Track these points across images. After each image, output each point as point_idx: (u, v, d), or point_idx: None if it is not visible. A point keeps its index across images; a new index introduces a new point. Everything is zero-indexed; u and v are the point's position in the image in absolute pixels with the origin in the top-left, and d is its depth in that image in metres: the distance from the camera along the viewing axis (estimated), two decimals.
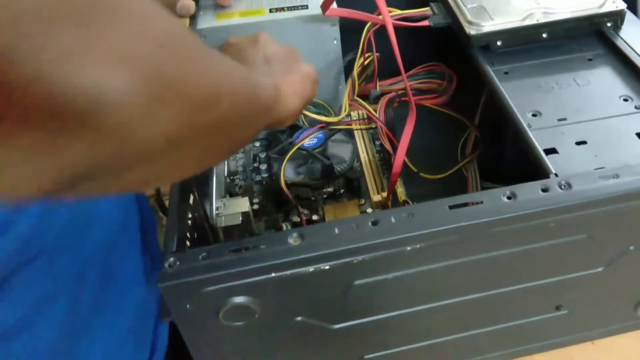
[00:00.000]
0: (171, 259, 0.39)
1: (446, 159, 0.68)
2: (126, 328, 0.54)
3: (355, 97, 0.66)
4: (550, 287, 0.47)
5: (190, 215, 0.47)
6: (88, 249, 0.49)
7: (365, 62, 0.67)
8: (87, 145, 0.22)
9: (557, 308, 0.50)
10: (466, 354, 0.52)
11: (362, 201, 0.64)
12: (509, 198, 0.42)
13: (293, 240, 0.40)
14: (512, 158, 0.58)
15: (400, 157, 0.56)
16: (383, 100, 0.65)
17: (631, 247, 0.46)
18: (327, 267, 0.40)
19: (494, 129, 0.61)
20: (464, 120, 0.68)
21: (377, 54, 0.66)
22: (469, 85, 0.66)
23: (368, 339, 0.48)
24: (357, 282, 0.42)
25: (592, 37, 0.58)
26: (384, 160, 0.68)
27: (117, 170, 0.25)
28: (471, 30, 0.55)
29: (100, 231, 0.51)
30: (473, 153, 0.67)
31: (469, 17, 0.56)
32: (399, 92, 0.66)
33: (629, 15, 0.57)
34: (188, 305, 0.39)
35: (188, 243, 0.45)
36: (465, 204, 0.42)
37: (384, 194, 0.62)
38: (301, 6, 0.64)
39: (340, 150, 0.65)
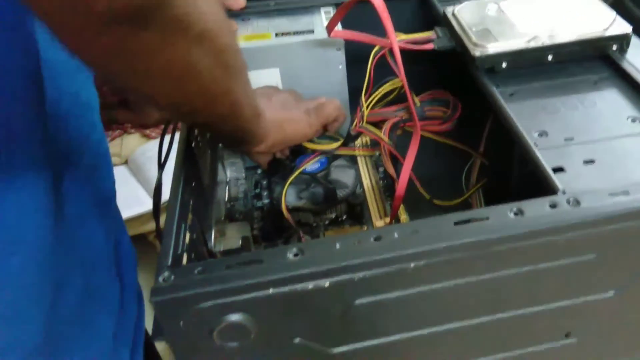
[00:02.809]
0: (165, 273, 0.38)
1: (451, 188, 0.67)
2: (101, 352, 0.52)
3: (365, 124, 0.65)
4: (558, 312, 0.45)
5: (187, 235, 0.46)
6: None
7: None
8: None
9: (567, 336, 0.48)
10: None
11: (365, 227, 0.63)
12: (515, 214, 0.40)
13: (292, 255, 0.39)
14: (518, 182, 0.57)
15: (404, 178, 0.55)
16: (387, 125, 0.64)
17: None
18: (327, 284, 0.38)
19: (500, 154, 0.60)
20: (469, 150, 0.67)
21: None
22: (473, 114, 0.66)
23: None
24: (358, 302, 0.40)
25: (597, 60, 0.57)
26: (387, 187, 0.67)
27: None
28: (476, 52, 0.55)
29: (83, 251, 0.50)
30: (479, 181, 0.66)
31: (474, 39, 0.56)
32: (404, 118, 0.66)
33: (635, 39, 0.57)
34: (181, 323, 0.38)
35: (184, 262, 0.43)
36: (470, 220, 0.40)
37: (387, 219, 0.61)
38: (307, 31, 0.64)
39: (342, 176, 0.64)
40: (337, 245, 0.39)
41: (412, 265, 0.39)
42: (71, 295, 0.47)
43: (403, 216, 0.62)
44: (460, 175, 0.67)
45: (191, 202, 0.49)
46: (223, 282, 0.37)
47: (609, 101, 0.53)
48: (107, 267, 0.54)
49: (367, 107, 0.65)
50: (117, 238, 0.56)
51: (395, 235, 0.39)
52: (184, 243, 0.45)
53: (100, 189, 0.53)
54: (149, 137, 1.40)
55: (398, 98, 0.69)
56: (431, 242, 0.39)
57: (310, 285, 0.38)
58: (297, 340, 0.41)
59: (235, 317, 0.38)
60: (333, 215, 0.63)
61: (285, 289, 0.38)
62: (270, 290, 0.38)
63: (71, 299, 0.47)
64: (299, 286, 0.38)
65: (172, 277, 0.38)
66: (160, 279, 0.38)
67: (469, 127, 0.67)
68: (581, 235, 0.40)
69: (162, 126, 0.57)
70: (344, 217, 0.64)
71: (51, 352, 0.45)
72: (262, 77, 0.64)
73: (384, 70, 0.64)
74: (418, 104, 0.66)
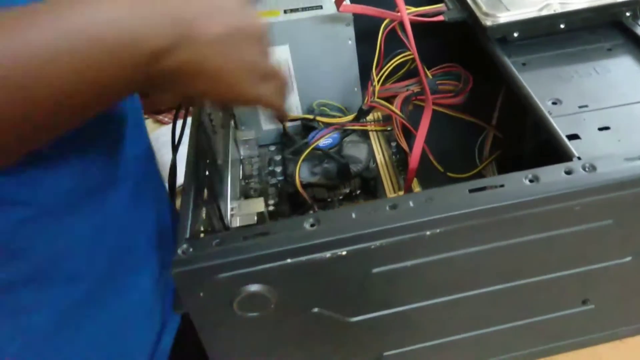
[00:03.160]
0: (184, 246, 0.38)
1: (464, 161, 0.66)
2: (138, 299, 0.53)
3: (376, 99, 0.65)
4: (575, 278, 0.45)
5: (204, 211, 0.47)
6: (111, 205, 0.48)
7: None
8: None
9: (584, 302, 0.48)
10: (489, 352, 0.50)
11: None
12: (531, 181, 0.40)
13: (309, 225, 0.39)
14: (532, 152, 0.57)
15: (417, 150, 0.55)
16: (399, 99, 0.64)
17: None
18: (344, 253, 0.38)
19: (513, 125, 0.60)
20: (481, 123, 0.67)
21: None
22: (485, 88, 0.66)
23: (387, 334, 0.46)
24: (375, 270, 0.40)
25: (610, 27, 0.56)
26: (400, 161, 0.67)
27: None
28: (487, 22, 0.55)
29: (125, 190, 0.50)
30: (492, 153, 0.66)
31: (485, 9, 0.55)
32: (415, 91, 0.65)
33: None
34: (201, 294, 0.38)
35: (202, 235, 0.44)
36: (485, 188, 0.40)
37: (401, 193, 0.61)
38: (316, 6, 0.64)
39: (355, 151, 0.64)
40: (353, 215, 0.39)
41: (428, 233, 0.39)
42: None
43: (417, 189, 0.62)
44: (474, 148, 0.67)
45: (206, 180, 0.49)
46: (241, 253, 0.37)
47: (623, 68, 0.52)
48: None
49: (378, 81, 0.65)
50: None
51: (411, 203, 0.40)
52: (200, 218, 0.45)
53: None
54: (161, 123, 1.40)
55: (408, 74, 0.69)
56: (446, 210, 0.39)
57: (327, 254, 0.38)
58: (315, 309, 0.42)
59: (254, 288, 0.39)
60: (347, 190, 0.63)
61: (303, 258, 0.38)
62: (288, 260, 0.38)
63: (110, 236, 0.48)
64: (316, 256, 0.38)
65: (191, 250, 0.38)
66: (180, 251, 0.38)
67: (481, 100, 0.67)
68: (597, 200, 0.40)
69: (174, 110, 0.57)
70: (358, 192, 0.64)
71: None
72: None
73: (393, 45, 0.63)
74: (430, 76, 0.66)
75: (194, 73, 0.36)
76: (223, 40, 0.36)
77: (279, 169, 0.68)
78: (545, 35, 0.56)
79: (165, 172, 0.56)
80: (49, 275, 0.45)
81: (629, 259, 0.45)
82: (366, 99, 0.65)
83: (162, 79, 0.35)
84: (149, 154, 0.58)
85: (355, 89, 0.69)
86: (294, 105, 0.68)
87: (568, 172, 0.41)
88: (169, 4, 0.35)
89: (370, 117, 0.70)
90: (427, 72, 0.66)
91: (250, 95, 0.40)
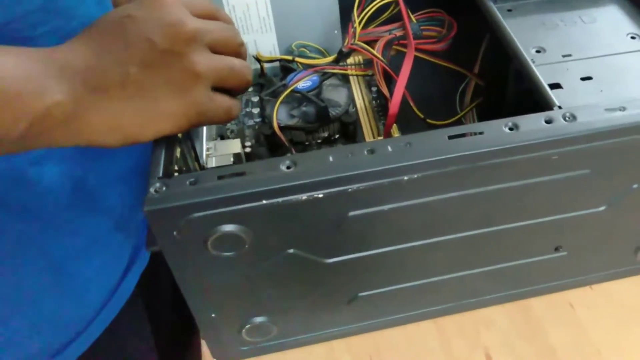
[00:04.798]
0: (157, 185, 0.37)
1: (445, 108, 0.66)
2: (110, 223, 0.52)
3: (357, 42, 0.63)
4: (550, 226, 0.46)
5: (178, 150, 0.46)
6: None
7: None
8: None
9: (557, 249, 0.48)
10: (463, 295, 0.51)
11: None
12: (510, 129, 0.40)
13: (285, 167, 0.38)
14: (513, 100, 0.56)
15: (398, 95, 0.54)
16: (381, 43, 0.62)
17: (634, 186, 0.44)
18: (320, 196, 0.38)
19: (495, 74, 0.59)
20: (463, 71, 0.66)
21: None
22: (469, 36, 0.64)
23: (363, 275, 0.46)
24: (351, 214, 0.40)
25: None
26: (380, 106, 0.66)
27: None
28: None
29: None
30: (473, 101, 0.65)
31: None
32: (398, 36, 0.64)
33: None
34: (175, 233, 0.38)
35: (175, 174, 0.43)
36: (464, 135, 0.40)
37: (380, 138, 0.60)
38: None
39: (335, 95, 0.63)
40: (331, 158, 0.39)
41: (405, 178, 0.39)
42: None
43: (396, 135, 0.61)
44: (455, 95, 0.66)
45: None
46: (215, 192, 0.37)
47: (609, 18, 0.52)
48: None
49: (360, 23, 0.64)
50: None
51: (389, 148, 0.39)
52: (174, 158, 0.44)
53: None
54: None
55: (390, 19, 0.68)
56: (425, 156, 0.38)
57: (303, 196, 0.38)
58: (291, 250, 0.42)
59: (228, 228, 0.38)
60: (326, 134, 0.62)
61: (279, 200, 0.38)
62: (264, 202, 0.37)
63: None
64: (292, 197, 0.38)
65: (164, 188, 0.37)
66: (152, 189, 0.37)
67: (464, 48, 0.66)
68: (576, 150, 0.40)
69: None
70: (337, 136, 0.63)
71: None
72: None
73: None
74: (414, 21, 0.65)
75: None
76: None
77: (256, 111, 0.66)
78: None
79: None
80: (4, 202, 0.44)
81: (603, 208, 0.45)
82: (346, 40, 0.64)
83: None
84: None
85: (336, 31, 0.67)
86: (272, 45, 0.67)
87: (548, 121, 0.40)
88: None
89: (351, 60, 0.69)
90: (412, 16, 0.65)
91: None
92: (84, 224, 0.51)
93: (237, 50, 0.42)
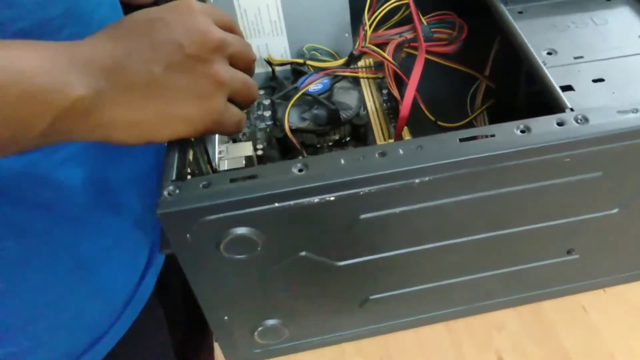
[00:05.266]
0: (170, 187, 0.38)
1: (456, 111, 0.66)
2: (115, 239, 0.53)
3: (368, 44, 0.63)
4: (562, 229, 0.45)
5: (191, 152, 0.46)
6: None
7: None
8: None
9: (569, 252, 0.48)
10: (474, 298, 0.51)
11: None
12: (522, 132, 0.40)
13: (297, 170, 0.38)
14: (524, 103, 0.56)
15: (408, 98, 0.54)
16: (391, 45, 0.62)
17: None
18: (332, 199, 0.38)
19: (506, 76, 0.59)
20: (474, 73, 0.66)
21: None
22: (479, 38, 0.64)
23: (374, 278, 0.46)
24: (363, 216, 0.40)
25: None
26: (391, 109, 0.66)
27: None
28: None
29: None
30: (484, 103, 0.65)
31: None
32: (408, 38, 0.64)
33: None
34: (188, 236, 0.38)
35: (189, 177, 0.43)
36: (475, 137, 0.40)
37: (391, 141, 0.60)
38: None
39: (346, 97, 0.63)
40: (342, 161, 0.39)
41: (417, 181, 0.39)
42: None
43: (407, 137, 0.61)
44: (466, 97, 0.66)
45: None
46: (228, 195, 0.37)
47: (621, 19, 0.51)
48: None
49: (370, 26, 0.64)
50: None
51: (400, 151, 0.39)
52: (187, 161, 0.44)
53: None
54: None
55: (401, 21, 0.68)
56: (436, 158, 0.38)
57: (315, 199, 0.38)
58: (303, 253, 0.42)
59: (241, 230, 0.38)
60: (337, 137, 0.62)
61: (290, 202, 0.38)
62: (276, 204, 0.38)
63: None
64: (304, 200, 0.38)
65: (177, 191, 0.38)
66: (166, 192, 0.37)
67: (475, 50, 0.66)
68: (588, 152, 0.40)
69: None
70: (348, 139, 0.63)
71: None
72: None
73: None
74: (425, 23, 0.65)
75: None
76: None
77: (267, 114, 0.67)
78: None
79: None
80: (22, 200, 0.44)
81: (615, 210, 0.45)
82: (357, 43, 0.64)
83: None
84: None
85: (347, 34, 0.67)
86: (283, 49, 0.67)
87: (560, 124, 0.40)
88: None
89: (361, 63, 0.69)
90: (422, 19, 0.65)
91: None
92: (108, 223, 0.51)
93: (250, 66, 0.43)
